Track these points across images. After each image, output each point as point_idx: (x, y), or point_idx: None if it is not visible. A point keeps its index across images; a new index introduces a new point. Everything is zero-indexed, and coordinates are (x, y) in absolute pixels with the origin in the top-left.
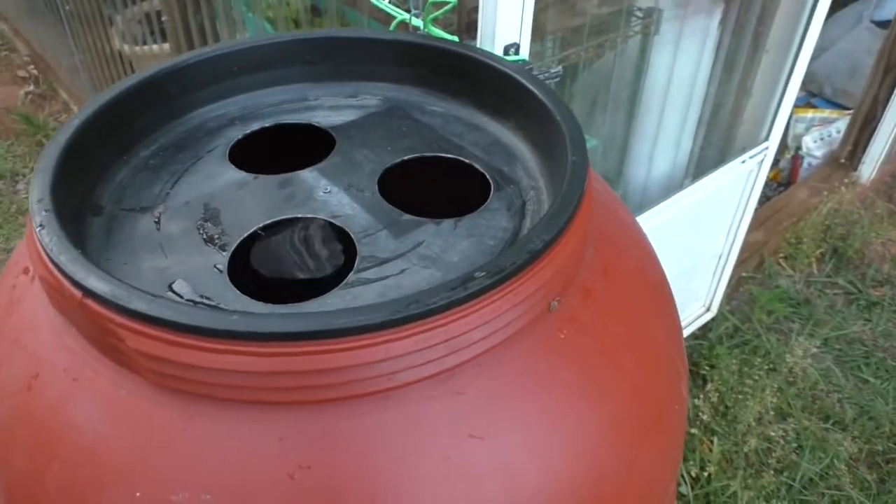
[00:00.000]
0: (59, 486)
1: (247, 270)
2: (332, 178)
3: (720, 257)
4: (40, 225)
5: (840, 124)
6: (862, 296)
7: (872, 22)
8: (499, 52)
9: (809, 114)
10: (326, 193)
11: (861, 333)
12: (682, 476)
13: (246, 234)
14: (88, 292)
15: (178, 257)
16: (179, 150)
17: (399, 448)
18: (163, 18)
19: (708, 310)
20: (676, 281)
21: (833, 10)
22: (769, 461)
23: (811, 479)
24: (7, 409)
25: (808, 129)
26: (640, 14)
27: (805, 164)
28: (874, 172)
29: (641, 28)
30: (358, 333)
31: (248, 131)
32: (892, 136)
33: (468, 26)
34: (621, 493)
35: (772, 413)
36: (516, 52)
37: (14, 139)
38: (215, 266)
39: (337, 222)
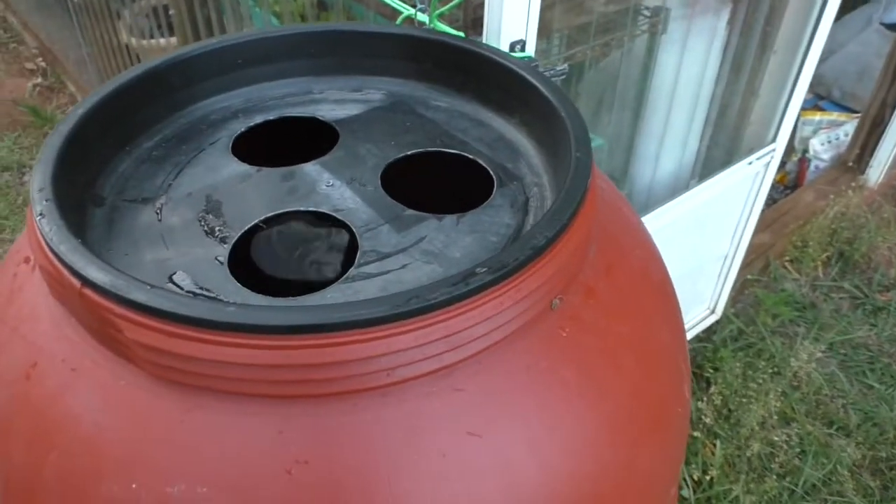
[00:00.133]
0: (57, 476)
1: (248, 263)
2: (334, 171)
3: (725, 259)
4: (40, 214)
5: (848, 127)
6: (868, 300)
7: (882, 24)
8: (504, 48)
9: (817, 116)
10: (329, 187)
11: (867, 338)
12: (684, 479)
13: (247, 227)
14: (87, 282)
15: (179, 249)
16: (182, 142)
17: (397, 444)
18: (170, 12)
19: (712, 312)
20: (681, 282)
21: (842, 12)
22: (772, 466)
23: (814, 485)
24: (5, 398)
25: (815, 132)
26: (647, 13)
27: (812, 167)
28: (882, 176)
29: (648, 27)
30: (357, 328)
31: (251, 124)
32: None
33: (474, 22)
34: (621, 493)
35: (775, 417)
36: (522, 49)
37: (21, 131)
38: (216, 258)
39: (339, 216)
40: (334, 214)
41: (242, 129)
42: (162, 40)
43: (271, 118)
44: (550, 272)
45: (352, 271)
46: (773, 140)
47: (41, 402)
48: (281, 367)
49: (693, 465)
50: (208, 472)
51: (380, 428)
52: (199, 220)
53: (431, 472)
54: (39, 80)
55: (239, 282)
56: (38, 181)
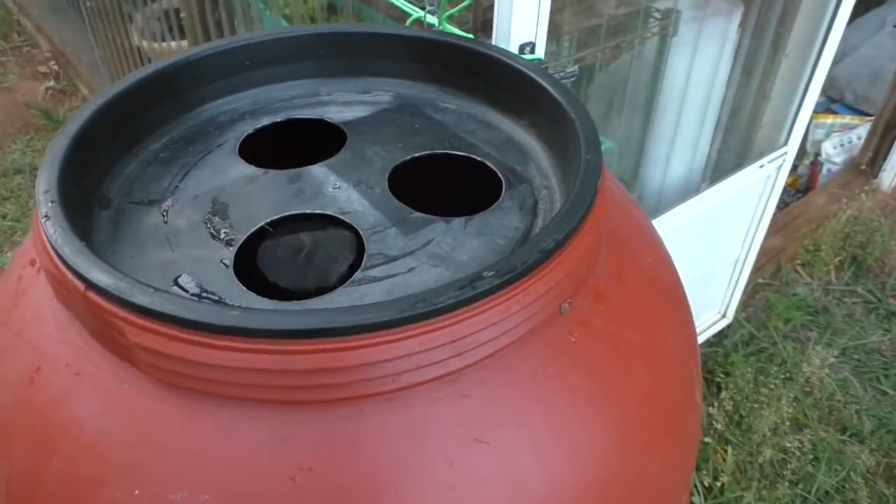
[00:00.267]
0: (59, 481)
1: (253, 266)
2: (341, 174)
3: (737, 263)
4: (45, 216)
5: (861, 130)
6: (881, 305)
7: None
8: (514, 50)
9: (829, 119)
10: (336, 189)
11: (880, 344)
12: (695, 486)
13: (253, 230)
14: (91, 285)
15: (184, 251)
16: (189, 144)
17: (403, 451)
18: (181, 15)
19: (723, 316)
20: (692, 286)
21: (855, 14)
22: (784, 472)
23: (827, 492)
24: (9, 402)
25: (827, 135)
26: (657, 15)
27: (824, 171)
28: (895, 180)
29: (659, 29)
30: (362, 332)
31: (258, 126)
32: None
33: (483, 24)
34: (630, 501)
35: (787, 423)
36: (532, 51)
37: (34, 134)
38: (222, 261)
39: (346, 219)
40: (341, 217)
41: (250, 131)
42: (173, 43)
43: (279, 120)
44: (559, 276)
45: (358, 275)
46: (785, 143)
47: (44, 407)
48: (285, 372)
49: (704, 472)
50: (211, 478)
51: (385, 434)
52: (206, 223)
53: (437, 480)
54: (52, 83)
55: (244, 285)
56: (44, 183)
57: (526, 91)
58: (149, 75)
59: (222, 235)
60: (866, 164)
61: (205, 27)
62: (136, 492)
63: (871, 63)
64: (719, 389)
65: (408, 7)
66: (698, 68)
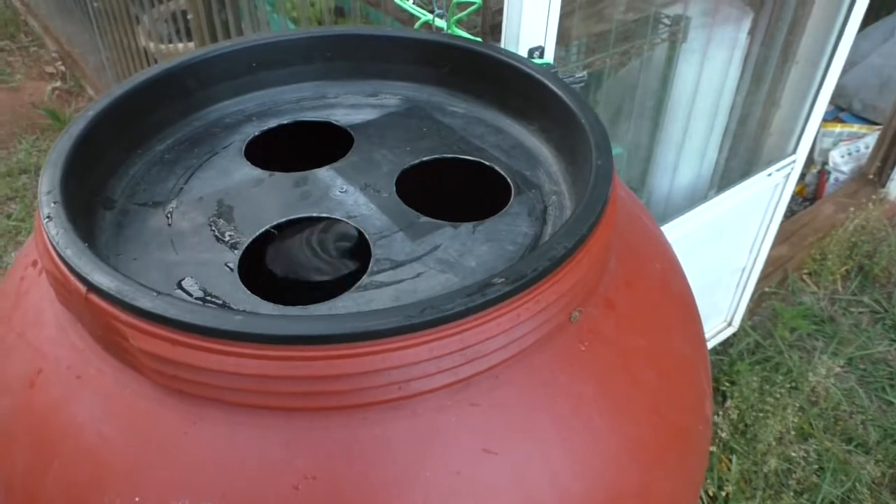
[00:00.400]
0: (59, 487)
1: (258, 270)
2: (348, 177)
3: (743, 271)
4: (48, 217)
5: (869, 140)
6: (888, 315)
7: None
8: (523, 55)
9: (837, 128)
10: (342, 193)
11: (886, 354)
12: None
13: (258, 233)
14: (93, 287)
15: (188, 254)
16: (195, 145)
17: (409, 460)
18: (188, 17)
19: (729, 324)
20: (698, 294)
21: (864, 23)
22: (789, 482)
23: (832, 503)
24: (9, 405)
25: (835, 144)
26: (667, 21)
27: (832, 179)
28: None
29: (668, 36)
30: (369, 339)
31: (265, 128)
32: None
33: (492, 28)
34: None
35: (793, 433)
36: (541, 56)
37: (40, 134)
38: (226, 264)
39: (352, 223)
40: (347, 221)
41: (256, 133)
42: (180, 45)
43: (285, 122)
44: (570, 284)
45: (364, 280)
46: (794, 151)
47: (45, 411)
48: (290, 379)
49: (708, 481)
50: (213, 486)
51: (391, 443)
52: (210, 225)
53: (444, 490)
54: (59, 83)
55: (248, 289)
56: (47, 183)
57: (536, 95)
58: (155, 76)
59: (227, 238)
60: (874, 174)
61: (212, 29)
62: (137, 498)
63: (879, 72)
64: (724, 398)
65: (416, 10)
66: (707, 75)
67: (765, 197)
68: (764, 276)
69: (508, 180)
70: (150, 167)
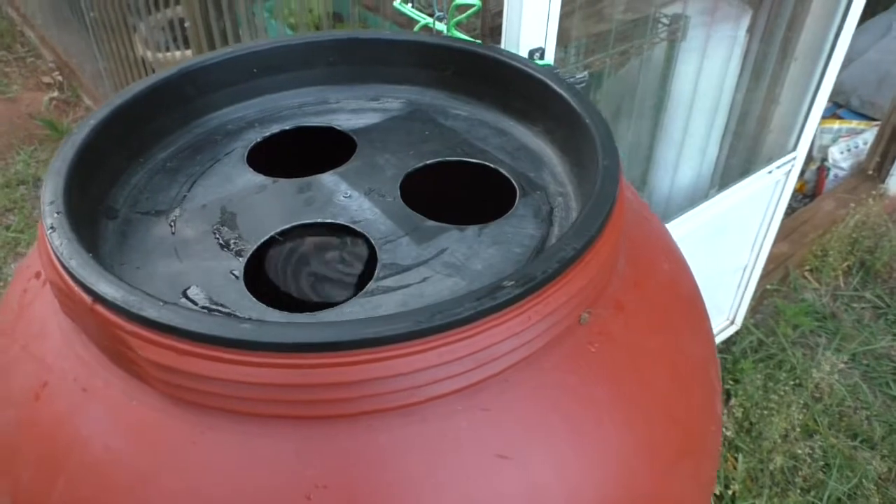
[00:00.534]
0: (66, 501)
1: (264, 277)
2: (352, 182)
3: (745, 269)
4: (51, 227)
5: (867, 136)
6: (890, 310)
7: None
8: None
9: (836, 125)
10: (346, 198)
11: (889, 349)
12: None
13: (263, 240)
14: (98, 298)
15: (193, 262)
16: (197, 153)
17: (421, 467)
18: (185, 25)
19: (732, 323)
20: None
21: (861, 19)
22: (795, 480)
23: (839, 499)
24: (14, 418)
25: (834, 141)
26: (666, 21)
27: (831, 176)
28: None
29: (667, 35)
30: (378, 345)
31: (267, 134)
32: None
33: (492, 31)
34: None
35: (798, 430)
36: (541, 57)
37: (38, 144)
38: (231, 272)
39: (357, 228)
40: (352, 226)
41: (258, 140)
42: (178, 53)
43: (287, 128)
44: (580, 285)
45: (371, 285)
46: (794, 148)
47: (51, 424)
48: (298, 387)
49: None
50: (222, 497)
51: (403, 449)
52: (214, 233)
53: (456, 496)
54: (56, 93)
55: (255, 296)
56: (49, 193)
57: (539, 97)
58: (154, 84)
59: (232, 246)
60: (873, 169)
61: (209, 36)
62: None
63: (877, 68)
64: (729, 396)
65: (415, 14)
66: (707, 74)
67: (766, 194)
68: (765, 274)
69: (513, 182)
70: (153, 175)
